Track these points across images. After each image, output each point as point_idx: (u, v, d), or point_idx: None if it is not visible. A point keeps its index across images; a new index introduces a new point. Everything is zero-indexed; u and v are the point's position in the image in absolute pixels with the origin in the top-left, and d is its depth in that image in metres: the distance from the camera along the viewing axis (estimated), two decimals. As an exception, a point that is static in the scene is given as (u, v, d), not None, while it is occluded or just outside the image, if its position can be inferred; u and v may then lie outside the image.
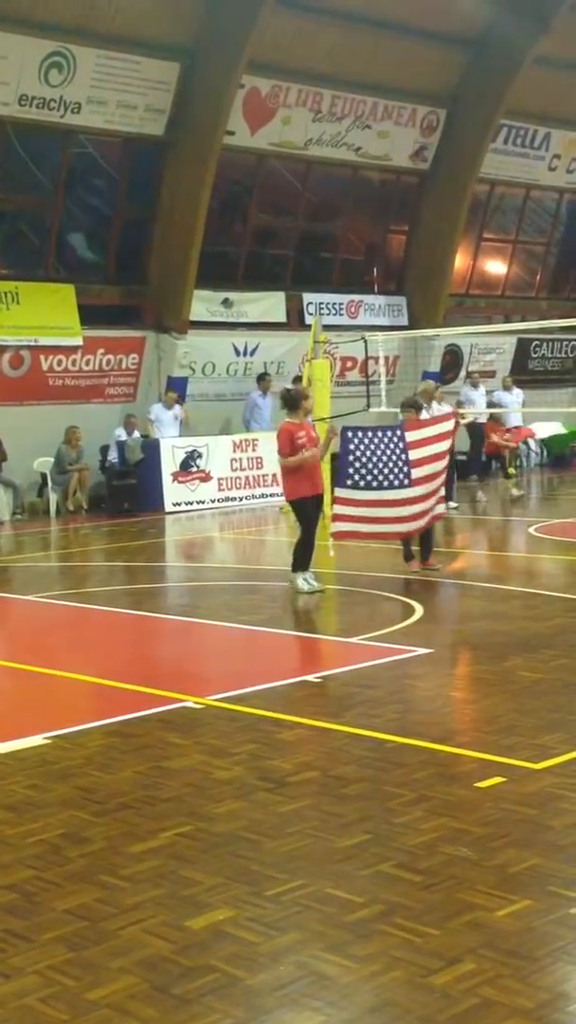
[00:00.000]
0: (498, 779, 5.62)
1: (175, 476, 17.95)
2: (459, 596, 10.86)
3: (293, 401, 11.05)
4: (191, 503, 18.18)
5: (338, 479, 11.53)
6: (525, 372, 24.79)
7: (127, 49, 18.25)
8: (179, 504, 18.01)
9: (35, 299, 18.42)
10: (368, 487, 11.19)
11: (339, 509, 11.39)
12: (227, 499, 18.44)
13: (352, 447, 11.21)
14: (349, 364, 21.69)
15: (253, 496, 18.62)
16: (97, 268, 19.83)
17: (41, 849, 5.06)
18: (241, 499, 18.34)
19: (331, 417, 17.52)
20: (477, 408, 20.52)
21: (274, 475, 18.45)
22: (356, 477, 11.19)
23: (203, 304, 20.12)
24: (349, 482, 11.23)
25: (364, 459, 11.17)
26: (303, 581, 10.77)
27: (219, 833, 5.16)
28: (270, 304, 21.36)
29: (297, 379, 20.12)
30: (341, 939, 4.08)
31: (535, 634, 9.07)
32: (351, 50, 20.21)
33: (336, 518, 11.45)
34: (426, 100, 22.18)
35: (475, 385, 22.53)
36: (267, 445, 18.73)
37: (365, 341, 19.06)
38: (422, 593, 10.60)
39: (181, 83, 18.97)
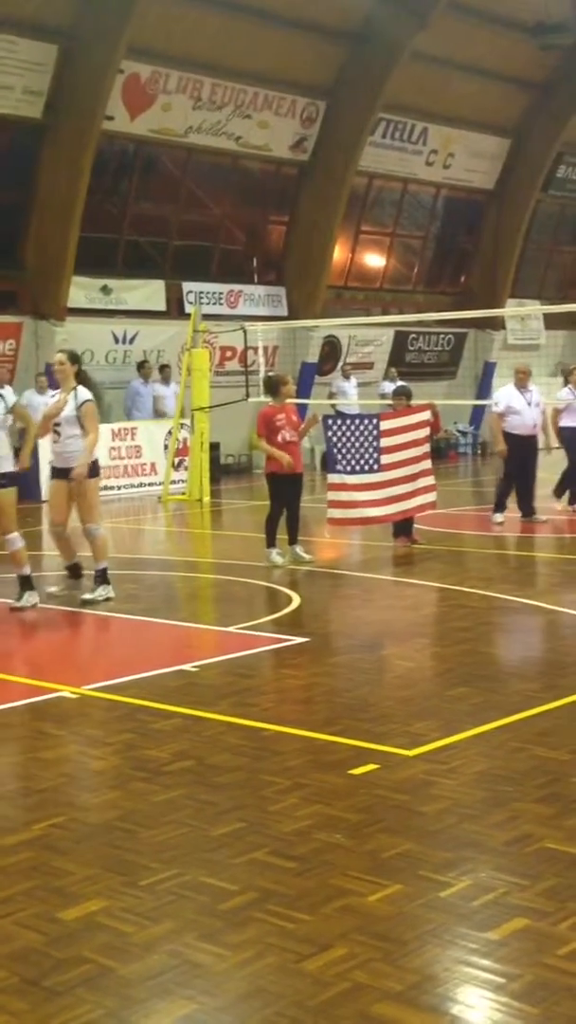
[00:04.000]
0: (372, 766, 5.68)
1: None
2: (335, 586, 10.94)
3: (274, 387, 11.82)
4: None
5: (328, 466, 12.21)
6: (403, 364, 25.09)
7: (3, 29, 17.92)
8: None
9: None
10: (352, 472, 11.81)
11: (332, 495, 11.92)
12: (104, 488, 18.23)
13: (331, 434, 11.83)
14: (228, 354, 21.68)
15: (131, 485, 18.48)
16: (-28, 252, 19.49)
17: None
18: (119, 488, 18.20)
19: (210, 407, 17.60)
20: (349, 399, 20.69)
21: (152, 464, 18.39)
22: (343, 463, 11.79)
23: (81, 291, 19.90)
24: (338, 467, 11.83)
25: (344, 445, 11.78)
26: (277, 555, 11.30)
27: (93, 823, 5.12)
28: (150, 292, 21.23)
29: (164, 367, 20.09)
30: (214, 927, 4.08)
31: (409, 623, 9.20)
32: (232, 38, 20.16)
33: (331, 504, 11.95)
34: (306, 91, 22.25)
35: (347, 376, 22.75)
36: (146, 434, 18.65)
37: (244, 331, 19.09)
38: (299, 583, 10.66)
39: (59, 65, 18.69)
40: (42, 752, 6.11)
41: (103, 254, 20.60)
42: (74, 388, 9.80)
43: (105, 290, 20.38)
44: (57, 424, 9.79)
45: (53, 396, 10.16)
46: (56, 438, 9.84)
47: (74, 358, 10.01)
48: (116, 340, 20.43)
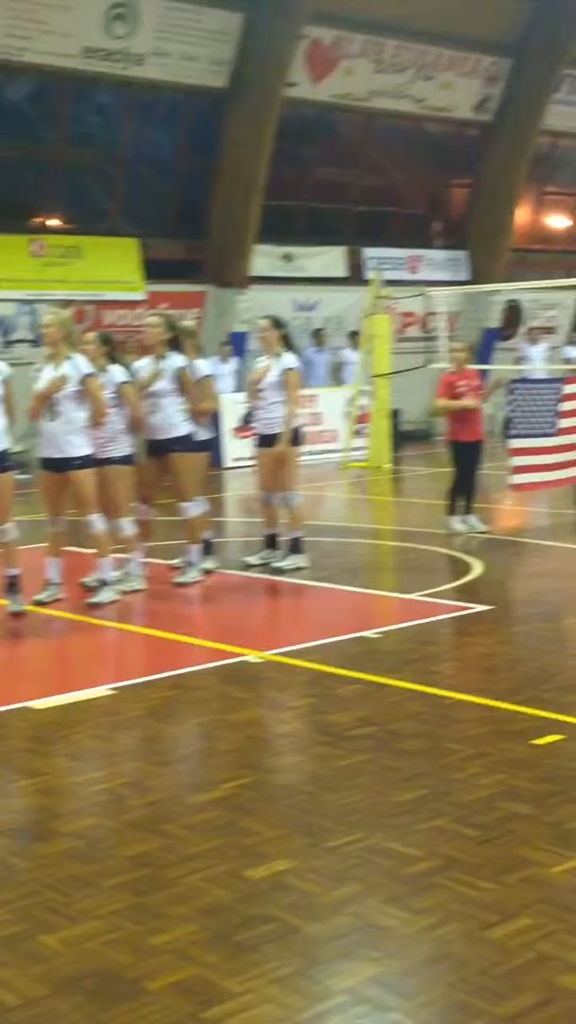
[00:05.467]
0: (556, 737, 5.63)
1: (235, 431, 17.95)
2: (517, 554, 10.82)
3: None
4: (252, 458, 18.15)
5: (509, 431, 11.97)
6: (587, 328, 24.51)
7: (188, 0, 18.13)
8: (239, 460, 18.03)
9: (98, 254, 18.47)
10: (530, 436, 11.70)
11: (517, 460, 11.76)
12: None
13: (513, 398, 11.77)
14: (409, 320, 21.55)
15: (312, 452, 18.57)
16: (160, 222, 19.80)
17: (105, 798, 5.16)
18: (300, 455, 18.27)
19: (392, 373, 17.55)
20: (534, 364, 20.31)
21: (333, 431, 18.44)
22: (523, 427, 11.69)
23: (264, 259, 20.07)
24: (516, 431, 11.71)
25: (525, 409, 11.70)
26: (458, 523, 11.32)
27: (279, 785, 5.22)
28: (331, 259, 21.25)
29: (355, 334, 20.09)
30: (399, 891, 4.13)
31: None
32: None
33: (515, 470, 11.80)
34: (489, 49, 21.83)
35: (534, 341, 22.30)
36: (326, 402, 18.70)
37: (425, 296, 18.93)
38: (481, 550, 10.58)
39: (243, 34, 18.81)
40: (228, 715, 6.24)
41: (285, 221, 20.71)
42: (278, 354, 9.87)
43: (287, 257, 20.50)
44: (260, 390, 9.89)
45: (259, 362, 10.15)
46: (259, 404, 9.93)
47: (278, 323, 10.06)
48: (297, 307, 20.53)
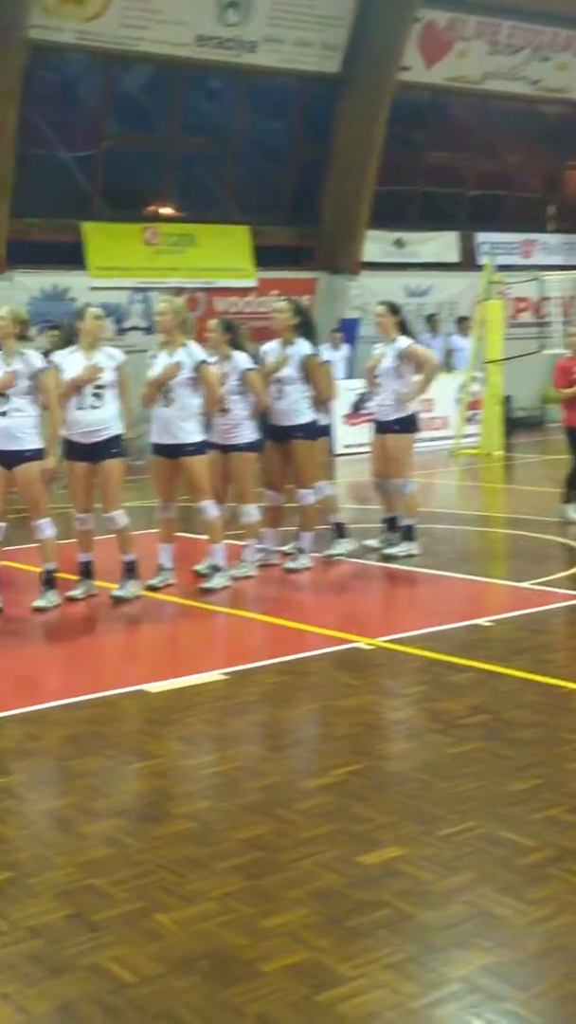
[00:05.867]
0: None
1: (347, 418, 17.94)
2: None
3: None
4: (362, 445, 18.13)
5: None
6: None
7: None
8: (350, 446, 18.01)
9: (210, 241, 18.61)
10: None
11: None
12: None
13: None
14: (522, 305, 21.29)
15: (422, 439, 18.44)
16: (272, 209, 19.85)
17: (218, 781, 5.21)
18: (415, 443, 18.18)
19: (505, 359, 17.36)
20: None
21: (444, 418, 18.32)
22: None
23: (375, 244, 20.00)
24: None
25: None
26: (574, 512, 11.12)
27: (391, 772, 5.22)
28: (443, 244, 21.10)
29: (463, 320, 19.92)
30: (513, 881, 4.10)
31: None
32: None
33: None
34: (607, 30, 21.44)
35: None
36: (437, 388, 18.51)
37: (539, 282, 18.69)
38: (595, 539, 10.43)
39: (356, 19, 18.74)
40: (339, 701, 6.26)
41: (397, 207, 20.60)
42: (394, 339, 9.85)
43: (398, 243, 20.42)
44: (377, 376, 9.88)
45: (376, 349, 10.14)
46: (376, 390, 9.93)
47: (395, 309, 10.04)
48: (409, 293, 20.41)
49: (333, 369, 10.07)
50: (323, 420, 9.78)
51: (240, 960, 3.67)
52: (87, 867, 4.35)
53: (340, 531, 9.89)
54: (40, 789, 5.25)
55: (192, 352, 8.68)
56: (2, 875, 4.31)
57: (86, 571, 8.70)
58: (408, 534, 9.87)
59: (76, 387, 8.42)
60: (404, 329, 9.95)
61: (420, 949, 3.69)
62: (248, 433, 9.20)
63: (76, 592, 8.61)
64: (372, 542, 10.06)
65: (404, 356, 9.75)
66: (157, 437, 8.81)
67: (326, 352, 16.75)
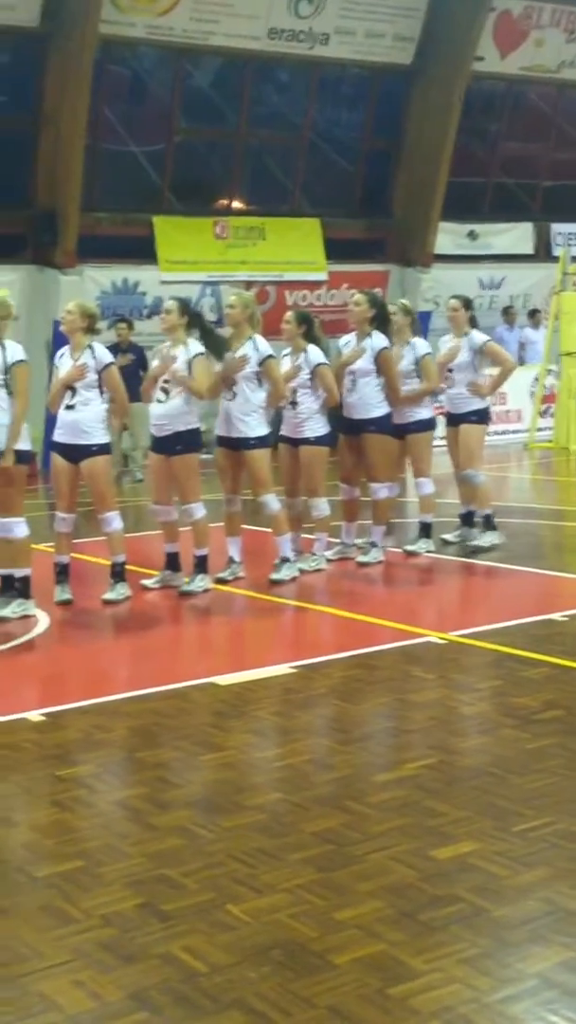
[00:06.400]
0: None
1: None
2: None
3: None
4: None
5: None
6: None
7: (375, -23, 18.08)
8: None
9: (281, 234, 18.59)
10: None
11: None
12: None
13: None
14: (599, 296, 21.00)
15: (496, 432, 18.31)
16: (342, 202, 19.79)
17: (288, 773, 5.21)
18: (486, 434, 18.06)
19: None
20: None
21: (519, 411, 18.17)
22: None
23: (448, 236, 19.87)
24: None
25: None
26: None
27: (464, 767, 5.19)
28: (517, 235, 20.91)
29: (535, 312, 19.73)
30: (589, 878, 4.06)
31: None
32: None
33: None
34: None
35: None
36: (511, 381, 18.33)
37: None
38: None
39: (430, 10, 18.63)
40: (412, 695, 6.23)
41: (470, 198, 20.45)
42: (467, 333, 9.82)
43: (472, 235, 20.26)
44: (450, 370, 9.85)
45: (445, 342, 10.11)
46: (449, 383, 9.89)
47: (468, 303, 10.02)
48: (482, 285, 20.25)
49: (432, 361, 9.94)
50: (426, 414, 9.78)
51: (312, 952, 3.66)
52: (158, 857, 4.37)
53: (426, 530, 9.83)
54: (110, 780, 5.28)
55: (259, 346, 8.68)
56: (73, 864, 4.34)
57: (171, 562, 8.75)
58: (489, 523, 9.84)
59: (153, 380, 8.52)
60: (474, 323, 9.93)
61: (495, 944, 3.66)
62: (318, 427, 9.18)
63: (152, 581, 8.69)
64: (449, 536, 10.01)
65: (481, 352, 9.73)
66: (221, 430, 8.84)
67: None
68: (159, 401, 8.50)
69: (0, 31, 15.99)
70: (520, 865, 4.18)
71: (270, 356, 8.70)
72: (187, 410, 8.49)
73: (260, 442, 8.74)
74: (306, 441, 9.13)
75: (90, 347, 8.27)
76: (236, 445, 8.74)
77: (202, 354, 8.51)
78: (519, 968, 3.52)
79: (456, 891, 4.01)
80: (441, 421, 10.49)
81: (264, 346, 8.70)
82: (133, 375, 12.41)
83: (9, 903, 4.06)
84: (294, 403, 9.03)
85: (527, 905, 3.89)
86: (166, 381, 8.49)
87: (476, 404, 9.83)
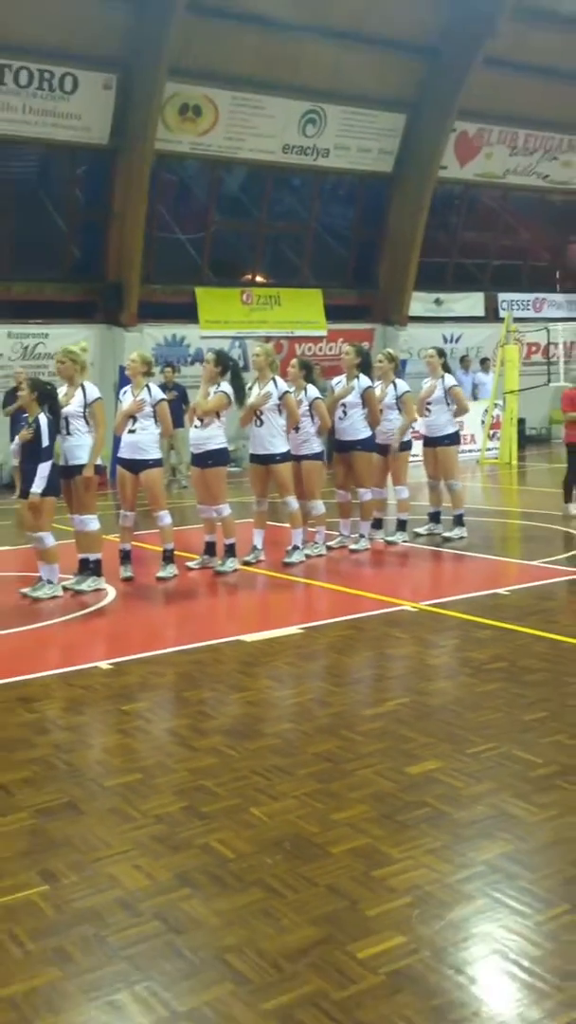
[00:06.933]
0: None
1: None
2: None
3: None
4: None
5: None
6: None
7: (366, 105, 17.99)
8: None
9: (292, 301, 18.55)
10: None
11: None
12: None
13: None
14: (534, 348, 20.94)
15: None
16: (339, 277, 19.75)
17: (297, 709, 5.19)
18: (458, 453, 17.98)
19: (519, 390, 17.11)
20: None
21: (472, 435, 18.09)
22: None
23: (419, 303, 19.80)
24: None
25: None
26: (573, 508, 10.95)
27: (431, 705, 5.17)
28: (472, 302, 20.83)
29: (485, 360, 19.68)
30: (525, 789, 4.04)
31: None
32: (545, 98, 19.28)
33: None
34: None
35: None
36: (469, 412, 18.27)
37: (548, 331, 18.37)
38: (591, 529, 10.23)
39: (406, 129, 18.57)
40: (390, 649, 6.21)
41: (436, 274, 20.37)
42: (442, 376, 9.87)
43: (437, 302, 20.20)
44: (428, 403, 9.85)
45: (426, 382, 10.13)
46: (427, 414, 9.87)
47: (442, 353, 10.05)
48: (445, 340, 20.18)
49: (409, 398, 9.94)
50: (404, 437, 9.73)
51: (314, 844, 3.65)
52: (198, 772, 4.36)
53: (402, 525, 9.81)
54: (161, 713, 5.27)
55: (279, 385, 8.68)
56: (133, 777, 4.34)
57: (209, 549, 8.75)
58: (459, 521, 9.84)
59: (193, 413, 8.54)
60: (447, 368, 9.98)
61: (454, 839, 3.65)
62: (315, 446, 9.19)
63: (194, 563, 8.68)
64: (420, 530, 10.01)
65: (449, 392, 9.76)
66: (253, 449, 8.83)
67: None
68: (195, 427, 8.50)
69: (80, 147, 15.99)
70: (472, 779, 4.16)
71: (287, 392, 8.69)
72: (217, 434, 8.48)
73: (283, 458, 8.76)
74: (305, 457, 9.12)
75: (147, 387, 8.27)
76: (264, 460, 8.74)
77: (224, 392, 8.47)
78: (471, 856, 3.51)
79: (424, 798, 4.00)
80: (418, 443, 10.53)
81: (283, 384, 8.70)
82: (177, 407, 12.40)
83: (86, 806, 4.06)
84: (296, 428, 9.02)
85: (477, 809, 3.88)
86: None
87: (449, 428, 9.86)
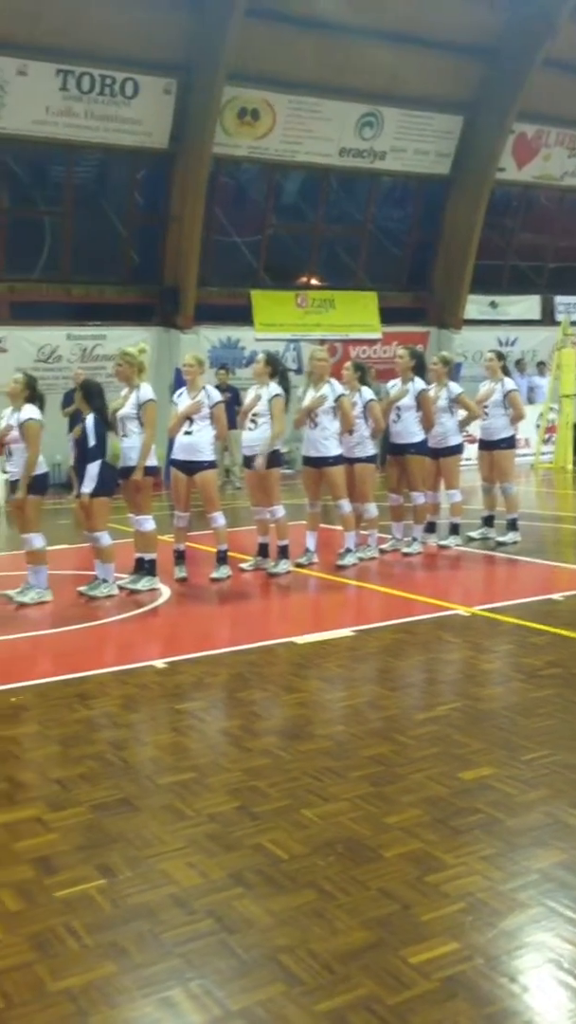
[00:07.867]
0: None
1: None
2: None
3: None
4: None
5: None
6: None
7: (423, 107, 17.91)
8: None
9: (347, 304, 18.54)
10: None
11: None
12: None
13: None
14: (591, 352, 20.64)
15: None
16: (394, 279, 19.68)
17: (349, 711, 5.19)
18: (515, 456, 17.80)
19: (574, 394, 16.88)
20: None
21: (527, 439, 17.89)
22: None
23: (474, 305, 19.67)
24: None
25: None
26: None
27: (484, 710, 5.13)
28: (528, 305, 20.63)
29: (541, 364, 19.47)
30: (580, 798, 3.99)
31: None
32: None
33: None
34: None
35: None
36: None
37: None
38: None
39: (463, 131, 18.46)
40: (443, 654, 6.18)
41: (492, 277, 20.21)
42: (500, 380, 9.79)
43: (493, 305, 20.04)
44: (486, 407, 9.77)
45: (484, 385, 10.05)
46: (485, 417, 9.81)
47: (501, 356, 10.00)
48: (500, 343, 20.02)
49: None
50: (455, 441, 9.70)
51: (366, 847, 3.64)
52: (250, 772, 4.37)
53: (455, 529, 9.75)
54: (214, 713, 5.30)
55: (335, 387, 8.67)
56: (187, 775, 4.36)
57: (262, 550, 8.78)
58: (513, 525, 9.75)
59: (244, 413, 8.55)
60: (507, 371, 9.92)
61: (507, 846, 3.61)
62: (368, 449, 9.16)
63: (247, 564, 8.71)
64: (473, 534, 9.92)
65: (507, 396, 9.67)
66: (306, 451, 8.83)
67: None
68: (249, 429, 8.52)
69: (140, 152, 16.15)
70: (526, 786, 4.12)
71: (342, 395, 8.69)
72: (268, 436, 8.49)
73: (336, 460, 8.73)
74: (358, 459, 9.09)
75: (204, 388, 8.31)
76: (318, 463, 8.74)
77: (279, 395, 8.50)
78: (525, 865, 3.48)
79: (477, 804, 3.97)
80: (472, 446, 10.46)
81: (339, 387, 8.70)
82: (230, 409, 12.42)
83: (140, 803, 4.10)
84: (350, 431, 8.99)
85: (532, 817, 3.84)
86: (255, 414, 8.50)
87: (505, 432, 9.77)
